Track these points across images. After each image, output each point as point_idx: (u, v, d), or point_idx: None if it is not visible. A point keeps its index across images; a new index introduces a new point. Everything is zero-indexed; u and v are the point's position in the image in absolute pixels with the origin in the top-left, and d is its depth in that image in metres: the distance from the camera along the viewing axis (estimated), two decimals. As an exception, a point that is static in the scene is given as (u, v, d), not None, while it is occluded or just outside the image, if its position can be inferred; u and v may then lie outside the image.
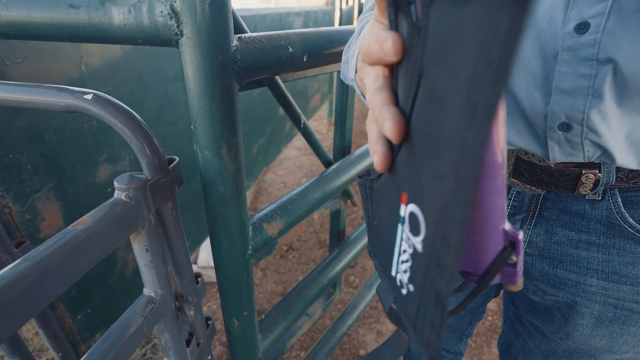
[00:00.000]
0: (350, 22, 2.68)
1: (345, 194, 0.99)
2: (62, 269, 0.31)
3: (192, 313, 0.52)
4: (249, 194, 2.32)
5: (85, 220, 0.34)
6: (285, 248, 1.99)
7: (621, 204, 0.39)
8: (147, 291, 0.46)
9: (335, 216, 1.03)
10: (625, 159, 0.36)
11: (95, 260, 0.35)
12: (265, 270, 1.83)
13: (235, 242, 0.52)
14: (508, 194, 0.47)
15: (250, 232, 0.55)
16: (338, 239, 1.06)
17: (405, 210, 0.22)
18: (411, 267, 0.22)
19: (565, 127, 0.36)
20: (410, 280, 0.22)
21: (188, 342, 0.58)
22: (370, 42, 0.21)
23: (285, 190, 2.56)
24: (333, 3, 3.12)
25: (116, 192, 0.38)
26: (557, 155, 0.38)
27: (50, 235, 0.76)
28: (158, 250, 0.44)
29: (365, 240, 1.07)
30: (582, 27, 0.32)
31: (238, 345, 0.63)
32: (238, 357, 0.64)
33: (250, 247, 0.55)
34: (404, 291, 0.23)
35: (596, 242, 0.41)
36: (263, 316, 0.75)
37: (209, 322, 0.65)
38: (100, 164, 0.86)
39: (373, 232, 0.29)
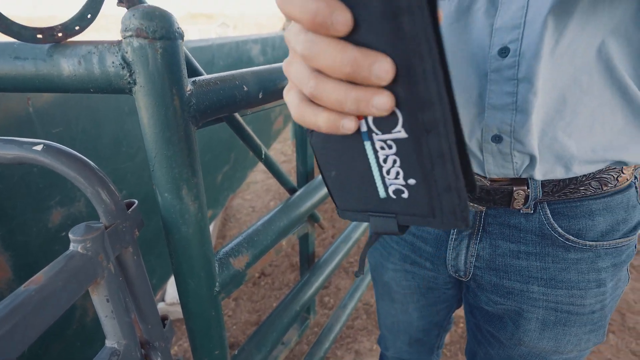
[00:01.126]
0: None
1: (312, 218, 1.00)
2: (15, 334, 0.30)
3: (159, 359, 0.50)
4: (216, 222, 2.27)
5: (39, 279, 0.33)
6: (257, 275, 1.95)
7: (550, 216, 0.44)
8: (109, 343, 0.44)
9: (304, 240, 1.04)
10: (548, 168, 0.41)
11: (51, 319, 0.33)
12: (237, 300, 1.78)
13: (202, 281, 0.51)
14: None
15: (217, 268, 0.55)
16: (308, 262, 1.06)
17: (366, 120, 0.22)
18: (402, 163, 0.22)
19: (497, 139, 0.41)
20: (407, 175, 0.23)
21: (156, 390, 0.55)
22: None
23: (253, 215, 2.53)
24: (289, 28, 3.21)
25: (72, 244, 0.37)
26: (492, 167, 0.43)
27: (-3, 290, 0.71)
28: (120, 298, 0.43)
29: (337, 259, 1.09)
30: (504, 51, 0.37)
31: (211, 386, 0.61)
32: (212, 398, 0.62)
33: (217, 284, 0.54)
34: (405, 194, 0.24)
35: (533, 251, 0.46)
36: (236, 351, 0.73)
37: (179, 365, 0.62)
38: (53, 207, 0.82)
39: (335, 185, 0.27)
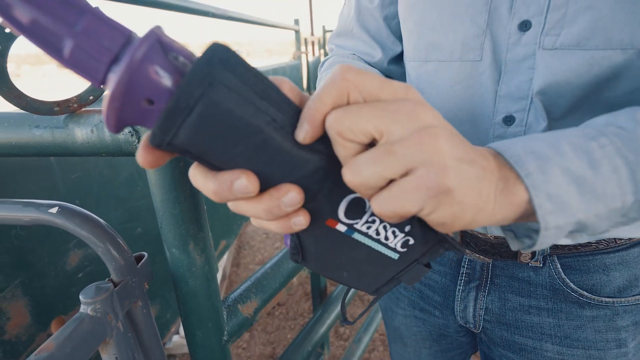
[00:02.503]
0: (317, 73, 2.84)
1: (323, 252, 1.00)
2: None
3: (168, 415, 0.50)
4: (231, 250, 2.28)
5: (50, 346, 0.34)
6: (273, 305, 1.94)
7: (561, 270, 0.42)
8: (118, 400, 0.44)
9: (315, 275, 1.03)
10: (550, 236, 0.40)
11: (61, 384, 0.34)
12: (252, 331, 1.76)
13: (209, 331, 0.51)
14: (461, 263, 0.49)
15: (225, 317, 0.55)
16: (320, 297, 1.05)
17: (340, 221, 0.24)
18: (391, 224, 0.24)
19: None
20: (401, 227, 0.24)
21: None
22: None
23: (267, 242, 2.53)
24: (300, 57, 3.32)
25: (82, 306, 0.38)
26: (494, 229, 0.42)
27: (17, 335, 0.73)
28: (129, 356, 0.43)
29: (350, 292, 1.07)
30: (509, 120, 0.37)
31: None
32: None
33: (225, 332, 0.54)
34: (412, 241, 0.25)
35: (545, 307, 0.44)
36: (247, 397, 0.72)
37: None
38: (71, 250, 0.85)
39: (353, 280, 0.28)
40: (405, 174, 0.20)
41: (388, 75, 0.53)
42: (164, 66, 0.18)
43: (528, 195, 0.23)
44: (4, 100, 0.38)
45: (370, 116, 0.19)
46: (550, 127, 0.35)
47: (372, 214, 0.24)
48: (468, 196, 0.20)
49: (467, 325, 0.51)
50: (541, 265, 0.43)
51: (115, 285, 0.42)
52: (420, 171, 0.19)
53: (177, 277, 0.48)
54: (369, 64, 0.50)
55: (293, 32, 3.10)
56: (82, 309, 0.38)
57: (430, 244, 0.25)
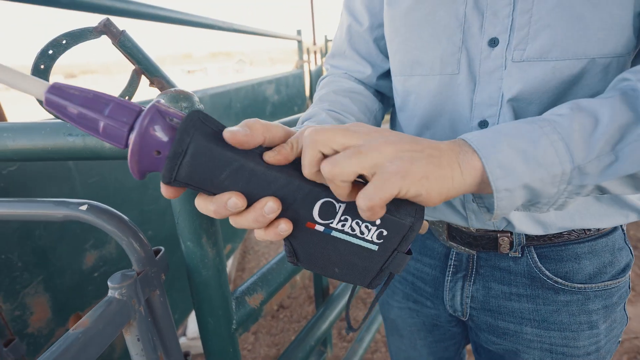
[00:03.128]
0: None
1: (325, 252, 1.04)
2: (64, 371, 0.35)
3: (183, 394, 0.55)
4: (236, 255, 2.32)
5: (85, 322, 0.39)
6: (275, 308, 1.97)
7: (537, 259, 0.47)
8: (139, 378, 0.49)
9: (318, 276, 1.07)
10: (524, 228, 0.44)
11: (95, 357, 0.39)
12: (257, 334, 1.80)
13: (220, 319, 0.56)
14: (449, 255, 0.54)
15: (234, 307, 0.60)
16: (323, 296, 1.09)
17: (317, 223, 0.29)
18: (363, 219, 0.29)
19: (477, 199, 0.45)
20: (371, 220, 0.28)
21: None
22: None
23: (271, 247, 2.57)
24: (302, 66, 3.39)
25: (110, 290, 0.44)
26: (475, 222, 0.47)
27: (39, 329, 0.78)
28: (149, 338, 0.48)
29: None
30: (484, 124, 0.42)
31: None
32: None
33: (234, 321, 0.59)
34: (385, 231, 0.29)
35: (524, 293, 0.48)
36: (254, 387, 0.76)
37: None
38: (87, 250, 0.90)
39: (345, 274, 0.32)
40: (373, 172, 0.27)
41: (378, 89, 0.58)
42: (163, 127, 0.26)
43: (482, 165, 0.29)
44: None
45: (350, 163, 0.26)
46: None
47: (344, 213, 0.29)
48: (428, 171, 0.27)
49: (456, 314, 0.56)
50: (519, 255, 0.48)
51: (137, 274, 0.47)
52: (386, 166, 0.27)
53: (191, 268, 0.53)
54: (360, 81, 0.56)
55: (296, 42, 3.19)
56: (110, 293, 0.43)
57: (402, 231, 0.30)
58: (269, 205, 0.27)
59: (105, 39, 0.46)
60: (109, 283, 0.44)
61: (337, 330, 1.77)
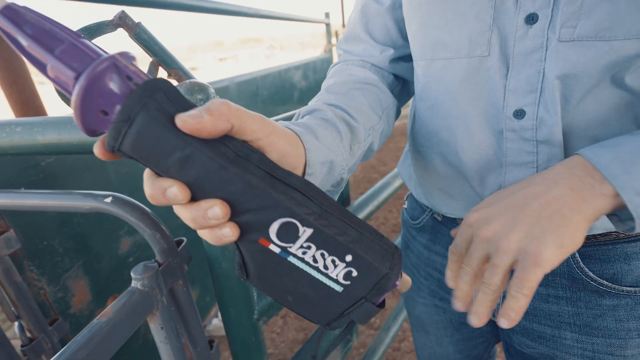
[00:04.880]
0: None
1: (350, 241, 1.03)
2: (96, 353, 0.37)
3: (207, 380, 0.56)
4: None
5: (108, 312, 0.40)
6: (303, 293, 2.01)
7: (579, 259, 0.42)
8: (164, 365, 0.51)
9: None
10: None
11: (118, 345, 0.41)
12: (285, 318, 1.84)
13: (242, 310, 0.57)
14: None
15: (255, 297, 0.60)
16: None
17: (273, 242, 0.24)
18: (329, 251, 0.24)
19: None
20: (341, 256, 0.24)
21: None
22: None
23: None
24: (331, 50, 3.33)
25: (133, 281, 0.45)
26: None
27: (80, 310, 0.83)
28: (172, 326, 0.50)
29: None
30: (520, 114, 0.37)
31: (254, 406, 0.66)
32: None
33: (256, 311, 0.60)
34: (355, 272, 0.25)
35: (564, 295, 0.44)
36: (278, 373, 0.78)
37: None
38: (122, 237, 0.95)
39: (300, 306, 0.28)
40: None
41: (397, 74, 0.52)
42: (116, 85, 0.21)
43: (615, 191, 0.28)
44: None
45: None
46: (563, 119, 0.35)
47: (308, 240, 0.24)
48: (559, 239, 0.29)
49: None
50: None
51: (159, 265, 0.48)
52: (523, 260, 0.29)
53: (212, 259, 0.53)
54: (377, 67, 0.51)
55: (324, 25, 3.11)
56: (133, 284, 0.45)
57: (376, 277, 0.25)
58: (214, 211, 0.23)
59: (121, 32, 0.46)
60: (132, 274, 0.45)
61: (365, 318, 1.77)
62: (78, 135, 0.49)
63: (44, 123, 0.51)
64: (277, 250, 0.24)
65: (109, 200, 0.49)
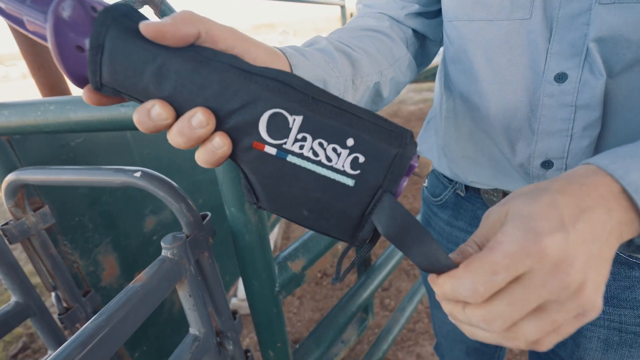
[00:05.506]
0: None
1: (367, 222, 1.04)
2: (127, 319, 0.40)
3: (231, 347, 0.59)
4: (281, 224, 2.41)
5: (142, 277, 0.43)
6: (319, 275, 2.04)
7: None
8: (192, 330, 0.54)
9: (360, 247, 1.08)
10: None
11: (152, 308, 0.43)
12: (302, 299, 1.89)
13: (264, 282, 0.59)
14: None
15: (277, 271, 0.63)
16: (365, 264, 1.10)
17: (267, 143, 0.22)
18: (328, 139, 0.22)
19: (547, 164, 0.39)
20: (341, 140, 0.22)
21: (230, 374, 0.64)
22: None
23: (315, 217, 2.62)
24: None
25: (163, 250, 0.47)
26: None
27: (110, 283, 0.88)
28: (199, 295, 0.52)
29: (394, 262, 1.11)
30: (561, 77, 0.36)
31: (275, 374, 0.69)
32: (276, 385, 0.70)
33: (277, 284, 0.62)
34: (361, 158, 0.22)
35: None
36: (298, 346, 0.81)
37: (248, 354, 0.71)
38: (147, 215, 0.98)
39: (320, 221, 0.25)
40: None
41: (415, 29, 0.49)
42: (82, 17, 0.21)
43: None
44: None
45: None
46: (607, 84, 0.34)
47: (300, 130, 0.22)
48: (598, 283, 0.22)
49: None
50: None
51: (187, 236, 0.51)
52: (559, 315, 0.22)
53: (235, 233, 0.55)
54: (397, 21, 0.48)
55: (339, 8, 3.06)
56: (163, 252, 0.47)
57: (386, 160, 0.22)
58: (197, 118, 0.22)
59: (147, 10, 0.47)
60: (162, 243, 0.47)
61: (380, 300, 1.79)
62: (107, 113, 0.51)
63: (75, 101, 0.53)
64: (273, 151, 0.23)
65: (138, 174, 0.51)
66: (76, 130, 0.53)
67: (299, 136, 0.22)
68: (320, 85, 0.31)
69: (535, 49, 0.36)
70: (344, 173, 0.23)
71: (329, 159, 0.22)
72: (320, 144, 0.22)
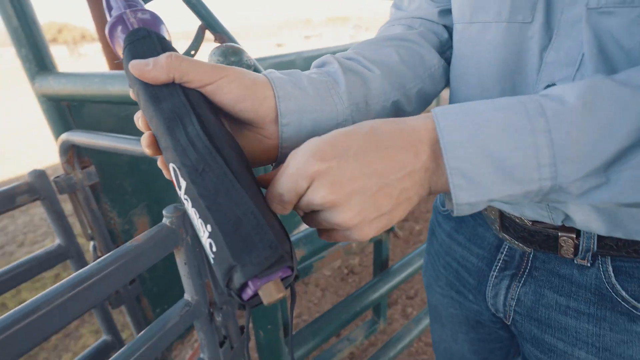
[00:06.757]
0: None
1: (387, 225, 1.02)
2: (122, 269, 0.45)
3: (220, 319, 0.63)
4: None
5: (138, 239, 0.48)
6: (346, 271, 2.04)
7: (612, 274, 0.37)
8: (186, 296, 0.58)
9: (378, 246, 1.06)
10: (592, 225, 0.35)
11: (142, 268, 0.48)
12: (324, 291, 1.91)
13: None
14: (500, 248, 0.47)
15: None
16: (381, 267, 1.09)
17: (176, 186, 0.24)
18: (199, 212, 0.22)
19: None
20: (205, 221, 0.22)
21: (222, 344, 0.69)
22: None
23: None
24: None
25: (163, 218, 0.52)
26: (527, 211, 0.39)
27: (140, 243, 0.98)
28: (194, 264, 0.56)
29: (409, 270, 1.08)
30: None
31: (264, 354, 0.72)
32: (265, 364, 0.73)
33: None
34: (214, 247, 0.22)
35: (586, 311, 0.39)
36: (293, 333, 0.83)
37: (245, 330, 0.75)
38: (181, 187, 1.07)
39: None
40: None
41: (449, 26, 0.47)
42: (122, 29, 0.29)
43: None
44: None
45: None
46: None
47: (186, 192, 0.23)
48: (395, 214, 0.27)
49: (498, 314, 0.49)
50: (589, 264, 0.38)
51: (189, 209, 0.55)
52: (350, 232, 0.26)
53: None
54: (428, 20, 0.46)
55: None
56: (163, 220, 0.52)
57: (224, 265, 0.21)
58: (144, 141, 0.27)
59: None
60: (163, 212, 0.52)
61: (402, 307, 1.75)
62: (138, 88, 0.57)
63: (114, 76, 0.59)
64: (180, 196, 0.24)
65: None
66: (112, 102, 0.60)
67: (185, 196, 0.23)
68: (311, 117, 0.31)
69: (531, 55, 0.34)
70: (208, 246, 0.22)
71: (199, 228, 0.23)
72: (195, 212, 0.23)
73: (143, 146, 0.27)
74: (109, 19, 0.30)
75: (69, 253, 0.78)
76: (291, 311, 0.27)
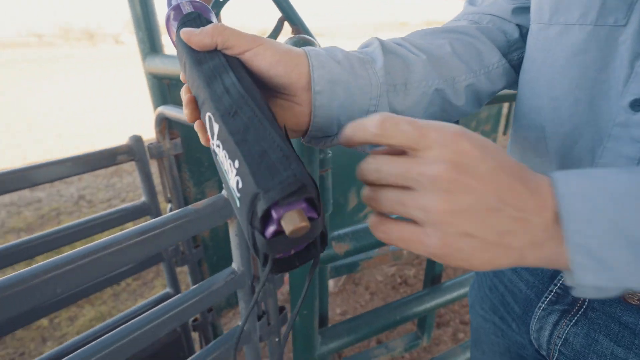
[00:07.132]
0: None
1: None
2: (181, 228, 0.50)
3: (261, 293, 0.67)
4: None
5: (199, 205, 0.53)
6: (399, 281, 1.98)
7: None
8: (234, 265, 0.64)
9: (431, 260, 1.01)
10: None
11: (197, 230, 0.54)
12: (373, 295, 1.89)
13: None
14: (554, 280, 0.42)
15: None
16: (432, 281, 1.04)
17: (211, 140, 0.26)
18: (228, 153, 0.23)
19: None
20: (232, 159, 0.23)
21: (259, 317, 0.73)
22: None
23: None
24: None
25: (223, 190, 0.57)
26: None
27: (208, 213, 1.08)
28: (244, 237, 0.61)
29: (462, 292, 1.01)
30: (638, 104, 0.29)
31: (297, 338, 0.75)
32: (297, 347, 0.76)
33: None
34: (240, 183, 0.22)
35: None
36: (329, 326, 0.84)
37: (284, 310, 0.79)
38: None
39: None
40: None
41: (521, 25, 0.43)
42: (176, 16, 0.33)
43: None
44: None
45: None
46: None
47: (218, 137, 0.24)
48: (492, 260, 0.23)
49: (541, 351, 0.44)
50: None
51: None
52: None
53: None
54: (499, 18, 0.43)
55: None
56: (222, 192, 0.57)
57: (250, 196, 0.20)
58: (184, 98, 0.30)
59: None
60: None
61: (454, 331, 1.64)
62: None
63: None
64: (213, 147, 0.26)
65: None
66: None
67: (217, 142, 0.25)
68: (343, 87, 0.32)
69: (619, 64, 0.29)
70: (235, 189, 0.23)
71: (226, 171, 0.24)
72: (225, 155, 0.23)
73: (184, 107, 0.30)
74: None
75: (150, 210, 0.90)
76: (311, 273, 0.26)
